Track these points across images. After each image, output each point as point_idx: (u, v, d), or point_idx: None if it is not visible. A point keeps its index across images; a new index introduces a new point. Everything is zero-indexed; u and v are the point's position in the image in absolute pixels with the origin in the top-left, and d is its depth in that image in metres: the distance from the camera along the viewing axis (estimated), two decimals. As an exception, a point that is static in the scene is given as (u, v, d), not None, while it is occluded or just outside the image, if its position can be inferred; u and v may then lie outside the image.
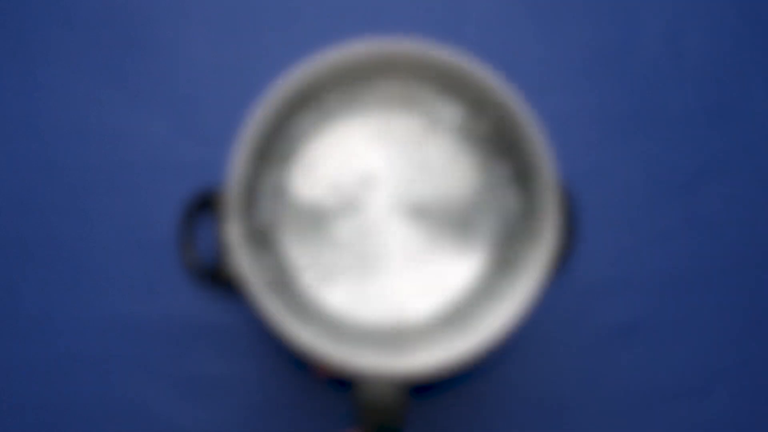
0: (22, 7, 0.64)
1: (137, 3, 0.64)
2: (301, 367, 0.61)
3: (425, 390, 0.61)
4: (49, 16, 0.64)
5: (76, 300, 0.62)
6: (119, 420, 0.61)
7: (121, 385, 0.61)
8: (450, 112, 0.54)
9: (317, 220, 0.54)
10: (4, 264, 0.62)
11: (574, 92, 0.65)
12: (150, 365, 0.61)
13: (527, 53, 0.65)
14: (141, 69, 0.64)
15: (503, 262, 0.53)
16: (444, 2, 0.65)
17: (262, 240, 0.52)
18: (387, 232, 0.54)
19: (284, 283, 0.52)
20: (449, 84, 0.53)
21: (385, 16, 0.65)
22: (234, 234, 0.47)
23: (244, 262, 0.46)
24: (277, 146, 0.53)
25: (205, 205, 0.63)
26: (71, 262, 0.62)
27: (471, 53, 0.65)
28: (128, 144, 0.63)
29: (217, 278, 0.62)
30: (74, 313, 0.62)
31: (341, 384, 0.61)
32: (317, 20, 0.65)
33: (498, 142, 0.53)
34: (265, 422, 0.61)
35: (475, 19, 0.65)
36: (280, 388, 0.61)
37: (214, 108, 0.63)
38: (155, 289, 0.62)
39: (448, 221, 0.54)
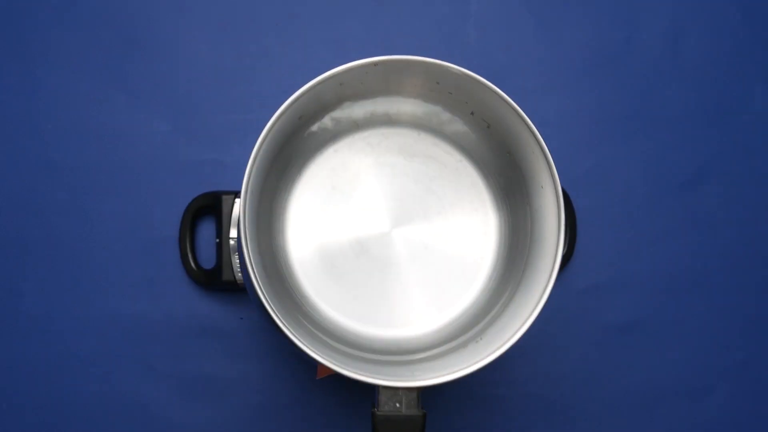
0: (22, 7, 0.64)
1: (137, 3, 0.64)
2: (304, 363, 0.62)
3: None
4: (49, 16, 0.64)
5: (76, 300, 0.62)
6: (119, 419, 0.61)
7: (122, 384, 0.61)
8: (457, 129, 0.54)
9: (326, 237, 0.53)
10: (4, 264, 0.62)
11: (574, 92, 0.65)
12: (150, 365, 0.61)
13: (527, 53, 0.65)
14: (141, 69, 0.64)
15: (509, 278, 0.52)
16: (444, 2, 0.65)
17: (273, 259, 0.52)
18: (394, 250, 0.53)
19: (294, 300, 0.52)
20: (456, 100, 0.52)
21: (384, 16, 0.65)
22: (248, 256, 0.46)
23: (260, 287, 0.46)
24: (284, 163, 0.53)
25: (206, 207, 0.63)
26: (71, 262, 0.62)
27: (470, 55, 0.65)
28: (128, 144, 0.63)
29: (218, 280, 0.62)
30: (74, 313, 0.62)
31: (339, 381, 0.61)
32: (316, 20, 0.65)
33: (503, 159, 0.53)
34: (265, 422, 0.61)
35: (475, 19, 0.65)
36: (280, 388, 0.62)
37: (214, 108, 0.63)
38: (155, 289, 0.62)
39: (455, 239, 0.54)
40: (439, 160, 0.54)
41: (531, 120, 0.49)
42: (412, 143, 0.55)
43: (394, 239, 0.53)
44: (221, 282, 0.59)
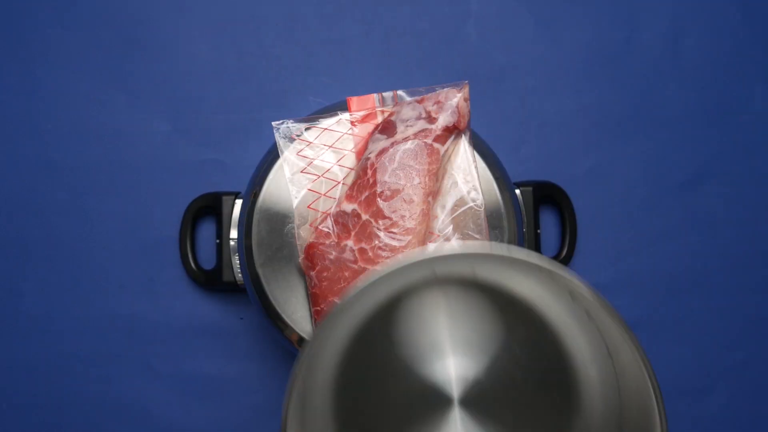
0: (22, 7, 0.64)
1: (137, 3, 0.64)
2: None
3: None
4: (49, 16, 0.64)
5: (76, 300, 0.62)
6: (119, 419, 0.61)
7: (121, 384, 0.61)
8: (551, 303, 0.44)
9: (382, 403, 0.44)
10: (4, 264, 0.62)
11: (574, 92, 0.65)
12: (150, 365, 0.61)
13: (527, 53, 0.65)
14: (141, 69, 0.64)
15: None
16: (444, 2, 0.65)
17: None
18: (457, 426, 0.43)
19: None
20: (552, 276, 0.41)
21: (384, 16, 0.65)
22: None
23: None
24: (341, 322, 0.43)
25: (206, 208, 0.63)
26: (71, 262, 0.62)
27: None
28: (128, 144, 0.63)
29: (218, 280, 0.62)
30: (74, 313, 0.62)
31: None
32: (316, 20, 0.65)
33: (601, 353, 0.43)
34: (265, 422, 0.61)
35: (475, 19, 0.65)
36: (280, 388, 0.62)
37: (214, 108, 0.63)
38: (155, 290, 0.62)
39: (518, 418, 0.43)
40: (527, 329, 0.44)
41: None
42: (497, 307, 0.44)
43: (458, 417, 0.43)
44: (221, 282, 0.59)
